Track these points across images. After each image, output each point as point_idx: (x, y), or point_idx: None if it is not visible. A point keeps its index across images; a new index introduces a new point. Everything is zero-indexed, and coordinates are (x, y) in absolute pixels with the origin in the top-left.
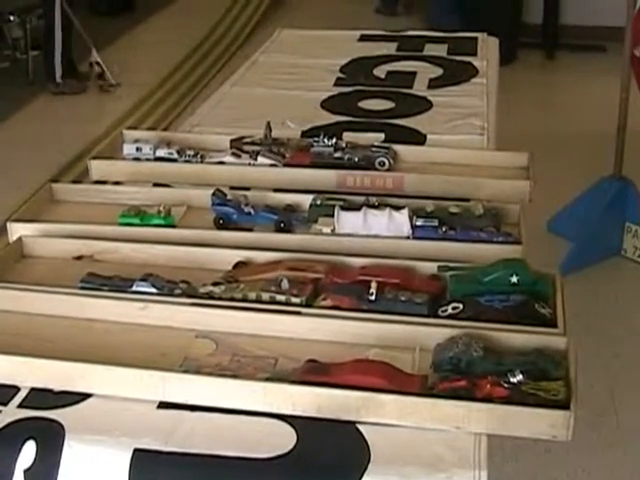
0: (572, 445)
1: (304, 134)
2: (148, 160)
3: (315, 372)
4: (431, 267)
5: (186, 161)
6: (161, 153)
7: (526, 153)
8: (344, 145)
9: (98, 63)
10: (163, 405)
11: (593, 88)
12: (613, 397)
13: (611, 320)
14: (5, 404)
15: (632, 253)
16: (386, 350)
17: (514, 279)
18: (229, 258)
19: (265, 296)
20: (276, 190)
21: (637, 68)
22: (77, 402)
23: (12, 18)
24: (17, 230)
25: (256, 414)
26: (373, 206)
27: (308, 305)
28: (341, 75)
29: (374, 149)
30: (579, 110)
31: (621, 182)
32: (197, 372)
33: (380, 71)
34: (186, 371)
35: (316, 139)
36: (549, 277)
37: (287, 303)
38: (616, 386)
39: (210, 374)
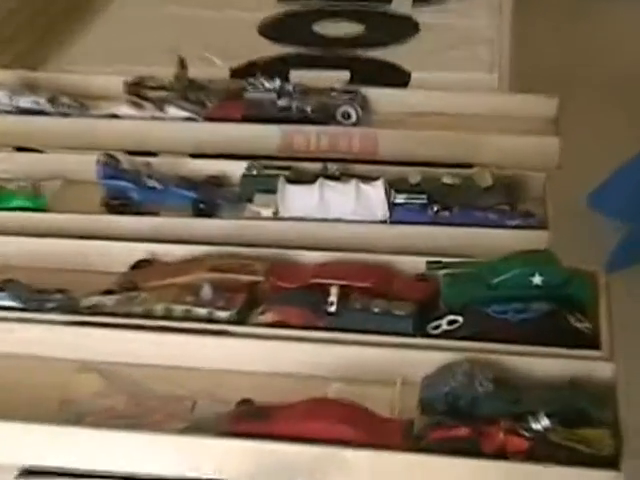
0: None
1: (234, 73)
2: (6, 113)
3: (251, 419)
4: (417, 264)
5: (62, 114)
6: (24, 103)
7: (555, 97)
8: (291, 89)
9: None
10: (26, 472)
11: None
12: None
13: None
14: None
15: None
16: (354, 385)
17: (537, 280)
18: (126, 255)
19: (178, 310)
20: (194, 156)
21: None
22: None
23: None
24: None
25: None
26: (333, 177)
27: (240, 322)
28: None
29: (335, 94)
30: (635, 36)
31: None
32: (78, 422)
33: None
34: (67, 421)
35: (251, 80)
36: (587, 276)
37: (210, 320)
38: None
39: (96, 424)
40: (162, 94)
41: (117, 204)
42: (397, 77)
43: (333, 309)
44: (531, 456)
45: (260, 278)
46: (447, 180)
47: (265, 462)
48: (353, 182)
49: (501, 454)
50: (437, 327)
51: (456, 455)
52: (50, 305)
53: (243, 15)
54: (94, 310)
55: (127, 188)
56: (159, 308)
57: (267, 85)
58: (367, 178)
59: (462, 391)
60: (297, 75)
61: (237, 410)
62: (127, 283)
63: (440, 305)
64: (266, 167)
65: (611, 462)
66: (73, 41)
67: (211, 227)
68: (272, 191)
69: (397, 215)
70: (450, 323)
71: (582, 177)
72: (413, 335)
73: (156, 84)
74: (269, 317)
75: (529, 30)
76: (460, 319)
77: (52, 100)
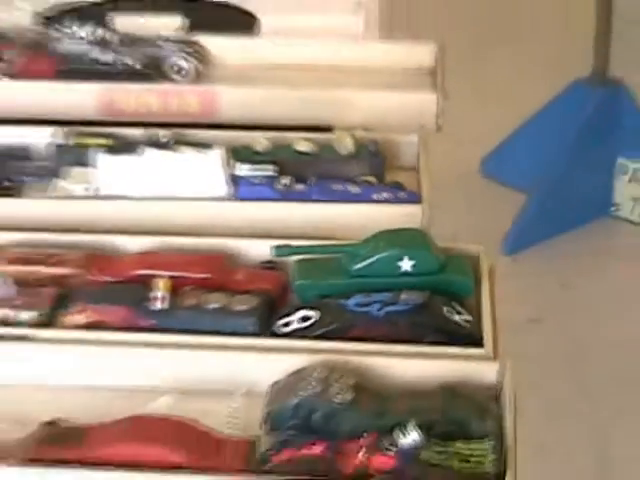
0: None
1: (41, 20)
2: None
3: (59, 442)
4: (263, 248)
5: None
6: None
7: (432, 44)
8: (113, 38)
9: None
10: None
11: None
12: (603, 460)
13: (592, 325)
14: None
15: (629, 210)
16: (187, 397)
17: (406, 265)
18: None
19: None
20: None
21: None
22: None
23: None
24: None
25: None
26: (163, 145)
27: (47, 324)
28: None
29: (165, 44)
30: None
31: (607, 89)
32: None
33: None
34: None
35: (63, 27)
36: (466, 259)
37: (9, 323)
38: (608, 439)
39: None
40: None
41: None
42: (241, 22)
43: (160, 306)
44: (399, 476)
45: (75, 271)
46: (300, 147)
47: None
48: (187, 151)
49: (362, 475)
50: (287, 324)
51: (309, 478)
52: None
53: None
54: None
55: None
56: None
57: (81, 33)
58: (203, 145)
59: (316, 402)
60: (121, 23)
61: (42, 431)
62: None
63: (291, 298)
64: (80, 134)
65: None
66: None
67: (13, 209)
68: (88, 164)
69: (240, 190)
70: (303, 319)
71: (475, 140)
72: (258, 335)
73: None
74: (83, 317)
75: None
76: (315, 314)
77: None
